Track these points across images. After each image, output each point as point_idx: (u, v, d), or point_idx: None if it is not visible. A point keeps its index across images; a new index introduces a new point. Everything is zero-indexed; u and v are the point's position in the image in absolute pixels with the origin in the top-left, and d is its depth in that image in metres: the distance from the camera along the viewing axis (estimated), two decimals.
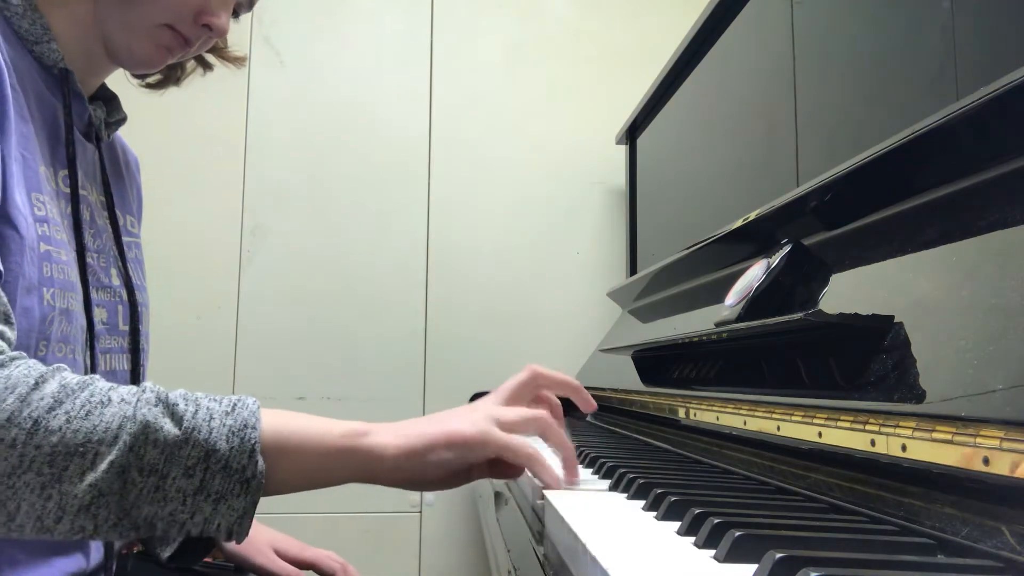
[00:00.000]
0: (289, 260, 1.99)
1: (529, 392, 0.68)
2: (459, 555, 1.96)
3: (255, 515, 0.53)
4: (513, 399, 0.66)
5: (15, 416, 0.47)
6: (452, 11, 2.12)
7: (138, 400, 0.51)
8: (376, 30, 2.10)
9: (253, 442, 0.51)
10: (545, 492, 0.67)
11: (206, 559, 0.93)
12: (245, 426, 0.52)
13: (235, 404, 0.53)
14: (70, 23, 0.69)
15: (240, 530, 0.52)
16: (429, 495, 1.95)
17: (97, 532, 0.49)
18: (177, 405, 0.51)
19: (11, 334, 0.55)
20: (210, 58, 0.85)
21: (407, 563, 1.94)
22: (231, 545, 0.89)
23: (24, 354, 0.52)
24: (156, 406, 0.51)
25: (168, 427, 0.50)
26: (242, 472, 0.51)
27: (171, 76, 0.84)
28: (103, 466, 0.48)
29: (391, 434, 0.57)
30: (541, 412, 0.64)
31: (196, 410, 0.51)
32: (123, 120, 0.82)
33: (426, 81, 2.09)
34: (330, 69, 2.07)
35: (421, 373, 2.00)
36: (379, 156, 2.05)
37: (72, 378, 0.51)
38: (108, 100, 0.80)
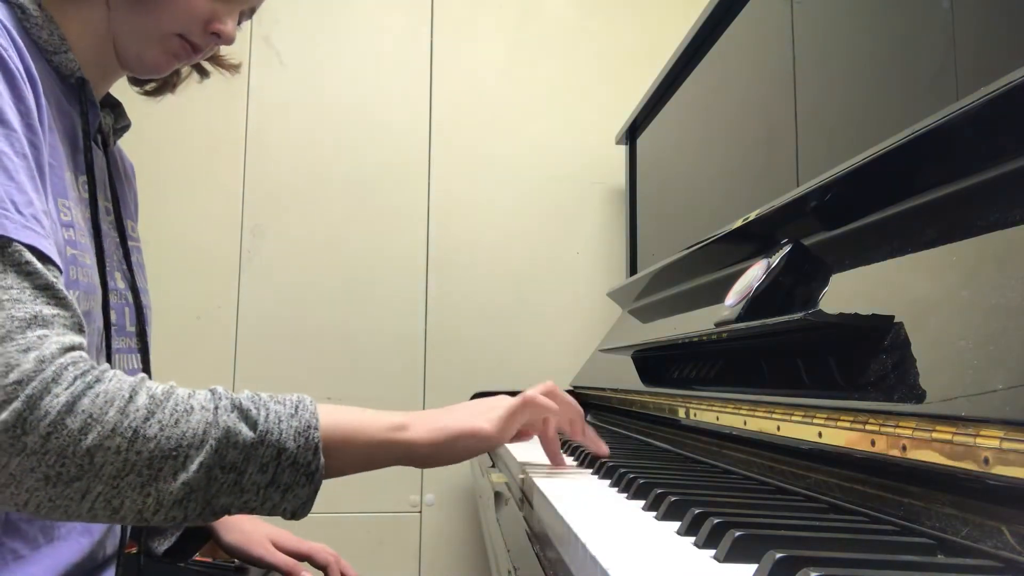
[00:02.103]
0: (289, 260, 1.99)
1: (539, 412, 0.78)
2: (459, 555, 1.96)
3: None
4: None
5: (118, 427, 0.53)
6: (452, 11, 2.12)
7: (216, 407, 0.58)
8: (376, 29, 2.09)
9: (316, 441, 0.59)
10: (543, 489, 0.67)
11: (207, 559, 0.96)
12: (308, 427, 0.59)
13: (297, 406, 0.61)
14: (82, 32, 0.71)
15: (303, 512, 0.60)
16: (429, 495, 1.96)
17: (186, 519, 0.57)
18: (250, 411, 0.58)
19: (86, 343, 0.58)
20: (207, 65, 0.87)
21: (407, 563, 1.94)
22: (231, 539, 0.94)
23: (108, 366, 0.57)
24: (232, 412, 0.58)
25: (245, 431, 0.57)
26: (307, 466, 0.59)
27: (168, 83, 0.86)
28: (193, 467, 0.55)
29: (424, 428, 0.66)
30: (538, 401, 0.76)
31: (267, 414, 0.59)
32: (128, 127, 0.84)
33: (426, 81, 2.09)
34: (330, 69, 2.06)
35: (421, 373, 2.00)
36: (379, 156, 2.05)
37: (156, 388, 0.57)
38: (113, 107, 0.82)
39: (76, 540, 0.70)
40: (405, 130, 2.07)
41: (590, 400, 1.62)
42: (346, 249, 2.01)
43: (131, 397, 0.55)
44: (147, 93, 0.86)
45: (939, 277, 0.59)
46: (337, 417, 0.62)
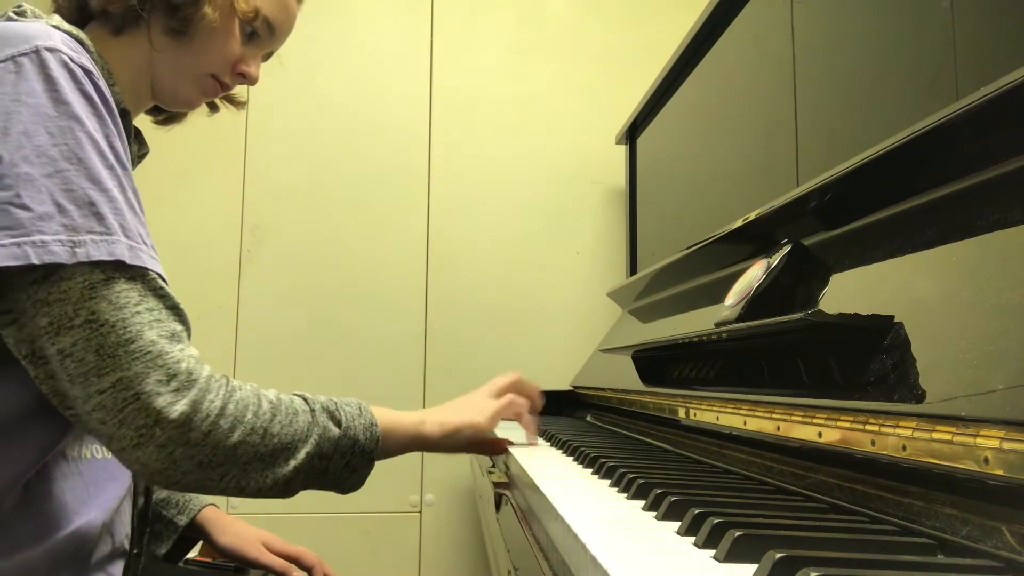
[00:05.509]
0: (289, 260, 1.99)
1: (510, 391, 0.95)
2: (459, 555, 1.96)
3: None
4: (500, 393, 0.93)
5: (255, 427, 0.68)
6: (452, 11, 2.12)
7: (312, 410, 0.74)
8: (376, 30, 2.10)
9: (378, 435, 0.77)
10: (543, 488, 0.67)
11: (206, 559, 1.01)
12: (371, 424, 0.77)
13: (360, 407, 0.78)
14: (123, 66, 0.77)
15: (359, 486, 0.77)
16: (429, 495, 1.96)
17: (287, 493, 0.72)
18: (335, 412, 0.75)
19: None
20: (216, 100, 0.93)
21: (407, 563, 1.94)
22: (226, 541, 1.00)
23: (231, 376, 0.69)
24: (323, 413, 0.74)
25: (333, 428, 0.74)
26: (370, 453, 0.76)
27: (178, 114, 0.93)
28: (301, 455, 0.71)
29: (435, 424, 0.84)
30: (517, 401, 0.93)
31: (345, 415, 0.75)
32: (147, 153, 0.89)
33: (426, 81, 2.09)
34: (330, 69, 2.06)
35: (421, 373, 2.00)
36: (379, 156, 2.05)
37: (269, 393, 0.72)
38: (136, 135, 0.86)
39: (86, 532, 0.72)
40: (405, 130, 2.07)
41: (590, 400, 1.62)
42: (346, 249, 2.01)
43: (259, 403, 0.69)
44: (158, 123, 0.94)
45: (939, 277, 0.59)
46: (382, 414, 0.79)
